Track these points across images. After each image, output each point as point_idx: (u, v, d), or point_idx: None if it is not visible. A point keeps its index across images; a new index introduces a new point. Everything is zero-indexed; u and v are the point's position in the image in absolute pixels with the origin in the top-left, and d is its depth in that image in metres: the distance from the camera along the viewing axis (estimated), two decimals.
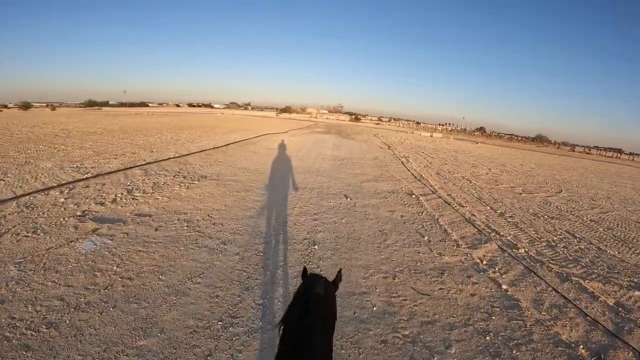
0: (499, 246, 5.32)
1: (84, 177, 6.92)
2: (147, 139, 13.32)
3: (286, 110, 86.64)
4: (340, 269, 1.77)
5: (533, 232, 6.22)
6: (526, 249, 5.32)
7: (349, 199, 6.74)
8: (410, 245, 4.92)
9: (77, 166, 8.00)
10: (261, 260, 4.06)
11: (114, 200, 5.61)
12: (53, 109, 51.71)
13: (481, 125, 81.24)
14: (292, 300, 1.29)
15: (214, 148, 11.74)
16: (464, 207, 7.22)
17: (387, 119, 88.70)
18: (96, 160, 8.67)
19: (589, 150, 54.63)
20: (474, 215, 6.74)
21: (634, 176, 20.28)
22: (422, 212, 6.50)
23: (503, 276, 4.34)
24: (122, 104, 76.80)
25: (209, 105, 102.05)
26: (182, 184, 6.78)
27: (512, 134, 72.52)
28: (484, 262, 4.71)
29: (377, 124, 71.91)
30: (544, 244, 5.73)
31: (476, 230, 5.89)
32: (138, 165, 8.04)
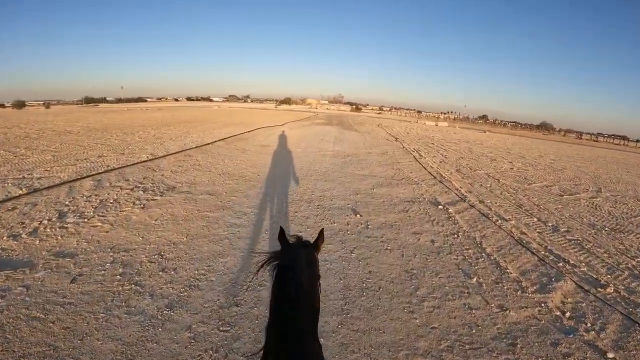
0: (576, 284, 3.78)
1: (18, 194, 5.36)
2: (125, 138, 11.72)
3: (286, 101, 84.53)
4: (322, 229, 1.42)
5: (606, 256, 4.67)
6: (613, 286, 3.78)
7: (358, 215, 5.13)
8: (455, 296, 3.34)
9: (23, 177, 6.44)
10: (228, 341, 2.51)
11: (34, 231, 4.05)
12: (47, 107, 50.50)
13: (483, 113, 78.97)
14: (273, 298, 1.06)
15: (196, 147, 10.09)
16: (506, 220, 5.62)
17: (388, 109, 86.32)
18: (49, 169, 7.10)
19: (596, 137, 52.64)
20: (524, 232, 5.15)
21: None
22: (458, 232, 4.90)
23: (601, 336, 2.92)
24: (119, 100, 75.76)
25: (208, 99, 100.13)
26: (137, 201, 5.18)
27: (515, 122, 70.01)
28: (567, 314, 3.20)
29: (378, 113, 69.83)
30: (627, 273, 4.22)
31: (537, 258, 4.30)
32: (92, 175, 6.44)
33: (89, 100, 69.01)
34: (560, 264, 4.25)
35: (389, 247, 4.26)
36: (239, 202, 5.38)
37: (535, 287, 3.66)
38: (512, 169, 11.32)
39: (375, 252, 4.10)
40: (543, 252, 4.54)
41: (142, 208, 4.99)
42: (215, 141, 11.48)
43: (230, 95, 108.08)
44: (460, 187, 7.58)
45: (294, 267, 1.05)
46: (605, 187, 9.93)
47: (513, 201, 6.93)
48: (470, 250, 4.38)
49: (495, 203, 6.59)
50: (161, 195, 5.48)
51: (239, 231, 4.41)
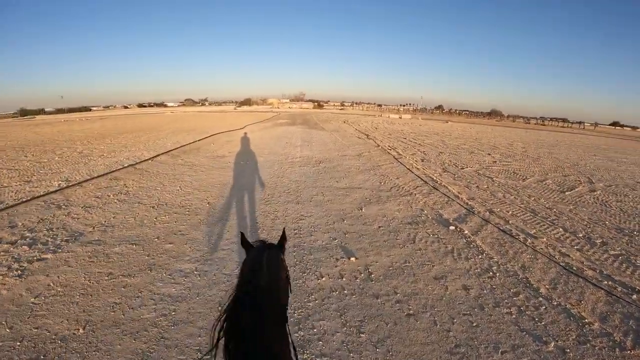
0: None
1: None
2: (41, 158, 9.35)
3: (246, 102, 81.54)
4: (284, 228, 1.61)
5: None
6: None
7: (353, 258, 3.63)
8: None
9: None
10: None
11: None
12: None
13: (438, 103, 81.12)
14: (234, 296, 1.00)
15: (131, 165, 8.03)
16: (535, 237, 4.44)
17: (349, 104, 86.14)
18: None
19: (542, 122, 55.65)
20: (564, 253, 3.99)
21: (615, 148, 19.59)
22: (490, 266, 3.59)
23: None
24: (59, 111, 69.30)
25: (162, 104, 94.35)
26: (15, 264, 3.31)
27: (468, 110, 72.67)
28: None
29: (341, 109, 69.13)
30: None
31: (603, 292, 3.13)
32: None
33: (24, 113, 63.02)
34: (634, 296, 3.14)
35: (411, 311, 2.83)
36: (177, 254, 3.66)
37: (630, 338, 2.51)
38: (495, 162, 10.49)
39: (395, 325, 2.65)
40: (605, 282, 3.40)
41: (20, 276, 3.16)
42: (157, 155, 9.36)
43: (186, 99, 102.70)
44: (459, 192, 6.38)
45: (258, 273, 1.03)
46: (592, 176, 9.41)
47: (522, 206, 5.85)
48: (521, 295, 3.09)
49: (507, 211, 5.44)
50: (55, 252, 3.62)
51: (175, 310, 2.76)
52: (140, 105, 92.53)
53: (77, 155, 9.76)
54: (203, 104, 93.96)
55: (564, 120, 56.65)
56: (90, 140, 13.24)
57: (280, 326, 0.99)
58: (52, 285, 3.07)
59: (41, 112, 66.26)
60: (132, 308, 2.82)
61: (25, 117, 55.10)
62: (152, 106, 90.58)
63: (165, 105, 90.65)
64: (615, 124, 62.75)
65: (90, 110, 73.69)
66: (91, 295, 2.96)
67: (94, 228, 4.26)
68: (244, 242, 1.22)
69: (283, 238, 1.29)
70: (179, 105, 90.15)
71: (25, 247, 3.72)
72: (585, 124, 53.23)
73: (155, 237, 4.03)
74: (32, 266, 3.36)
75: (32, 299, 2.88)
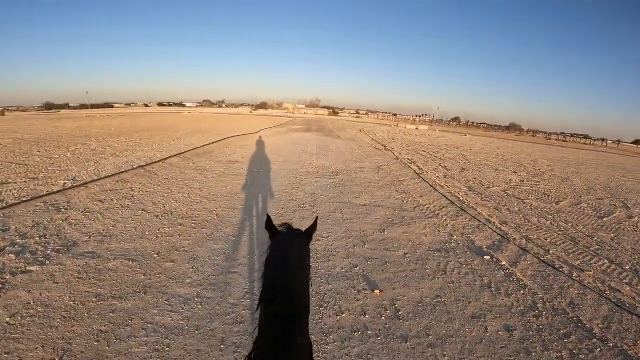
0: None
1: None
2: (52, 154, 9.22)
3: (262, 106, 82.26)
4: (317, 217, 1.52)
5: None
6: None
7: (377, 291, 3.16)
8: None
9: None
10: None
11: None
12: (2, 114, 46.72)
13: (454, 114, 79.62)
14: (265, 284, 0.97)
15: (140, 167, 7.76)
16: (579, 269, 3.89)
17: (364, 112, 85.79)
18: None
19: (564, 138, 53.75)
20: (613, 288, 3.47)
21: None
22: (535, 303, 3.07)
23: None
24: (83, 106, 71.43)
25: (181, 104, 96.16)
26: None
27: (486, 123, 70.96)
28: None
29: (357, 117, 68.78)
30: None
31: None
32: None
33: (50, 107, 65.41)
34: None
35: (446, 358, 2.36)
36: (177, 275, 3.26)
37: None
38: (523, 181, 9.85)
39: None
40: None
41: None
42: (169, 157, 9.11)
43: (204, 101, 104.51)
44: (489, 216, 5.83)
45: (285, 263, 0.98)
46: (627, 200, 8.71)
47: (560, 233, 5.27)
48: (572, 337, 2.63)
49: (546, 239, 4.88)
50: (42, 264, 3.27)
51: (169, 346, 2.36)
52: (160, 104, 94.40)
53: (89, 152, 9.60)
54: (220, 106, 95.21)
55: (586, 137, 54.70)
56: (106, 137, 13.18)
57: (306, 323, 0.97)
58: (32, 303, 2.72)
59: (66, 106, 68.27)
60: (119, 339, 2.43)
61: (50, 111, 56.98)
62: (171, 105, 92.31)
63: (184, 105, 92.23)
64: (637, 142, 60.27)
65: (112, 106, 75.55)
66: (74, 320, 2.58)
67: (90, 237, 3.91)
68: (269, 225, 1.12)
69: (313, 228, 1.17)
70: (197, 106, 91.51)
71: (12, 255, 3.39)
72: (608, 141, 51.25)
73: (155, 253, 3.64)
74: (14, 279, 3.01)
75: (8, 319, 2.54)
